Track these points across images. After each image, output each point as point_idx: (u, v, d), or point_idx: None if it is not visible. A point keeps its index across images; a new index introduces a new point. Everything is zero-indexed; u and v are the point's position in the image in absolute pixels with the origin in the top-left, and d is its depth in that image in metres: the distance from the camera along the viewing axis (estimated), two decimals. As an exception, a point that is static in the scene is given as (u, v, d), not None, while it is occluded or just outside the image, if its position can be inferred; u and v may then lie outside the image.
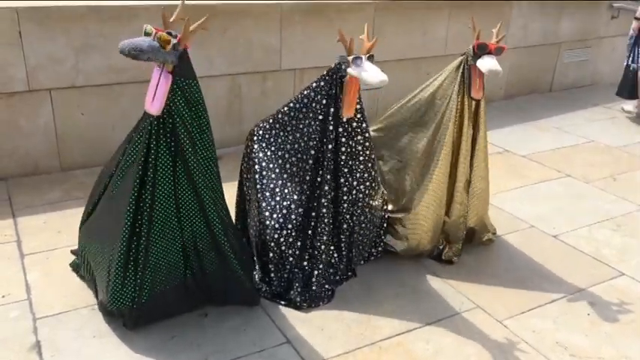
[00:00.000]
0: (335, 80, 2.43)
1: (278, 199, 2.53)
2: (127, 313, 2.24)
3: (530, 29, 5.77)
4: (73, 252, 2.67)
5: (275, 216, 2.53)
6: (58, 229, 3.00)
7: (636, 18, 5.25)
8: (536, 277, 2.82)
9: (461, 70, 2.67)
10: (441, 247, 2.88)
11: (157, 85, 2.08)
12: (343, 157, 2.52)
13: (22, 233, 2.97)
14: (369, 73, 2.30)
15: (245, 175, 2.71)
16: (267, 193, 2.56)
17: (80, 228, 2.48)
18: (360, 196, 2.61)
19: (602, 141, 4.84)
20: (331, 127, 2.46)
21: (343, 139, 2.49)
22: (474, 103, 2.70)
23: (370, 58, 2.37)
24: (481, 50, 2.55)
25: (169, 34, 2.04)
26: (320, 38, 4.44)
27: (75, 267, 2.62)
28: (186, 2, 4.15)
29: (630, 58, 5.31)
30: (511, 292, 2.70)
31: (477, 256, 2.96)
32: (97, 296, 2.39)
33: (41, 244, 2.86)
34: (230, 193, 2.95)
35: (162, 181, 2.14)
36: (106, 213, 2.29)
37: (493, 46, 2.56)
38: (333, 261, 2.63)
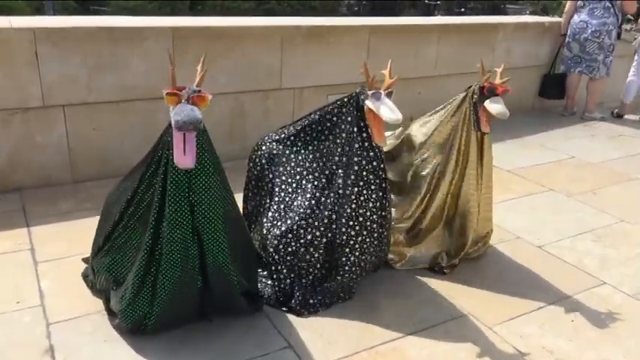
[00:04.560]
0: (354, 107, 2.43)
1: (289, 212, 2.52)
2: (136, 330, 2.24)
3: (514, 52, 5.82)
4: (84, 260, 2.65)
5: (281, 225, 2.52)
6: (70, 238, 2.98)
7: None
8: (522, 286, 2.82)
9: (465, 106, 2.67)
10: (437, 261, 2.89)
11: (184, 140, 1.95)
12: (359, 182, 2.48)
13: (35, 242, 2.95)
14: (386, 110, 2.29)
15: (253, 183, 2.70)
16: (277, 206, 2.55)
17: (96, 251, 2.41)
18: (373, 221, 2.56)
19: (582, 157, 4.87)
20: (350, 153, 2.44)
21: (361, 165, 2.46)
22: (479, 135, 2.71)
23: (389, 95, 2.35)
24: (490, 93, 2.56)
25: (196, 92, 1.98)
26: (318, 59, 4.47)
27: (85, 277, 2.59)
28: (194, 25, 4.20)
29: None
30: (499, 299, 2.70)
31: (467, 265, 2.95)
32: (107, 308, 2.36)
33: (54, 252, 2.84)
34: (234, 204, 2.96)
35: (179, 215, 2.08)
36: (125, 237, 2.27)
37: (501, 90, 2.57)
38: (338, 278, 2.60)
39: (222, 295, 2.28)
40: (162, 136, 2.11)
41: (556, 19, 6.58)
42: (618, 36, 5.86)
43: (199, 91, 1.97)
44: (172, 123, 1.91)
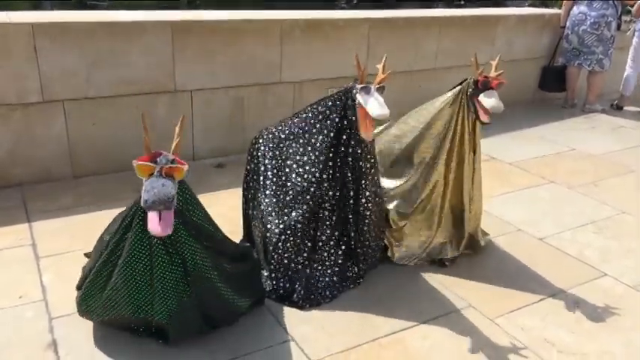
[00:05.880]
0: (347, 101, 2.43)
1: (283, 206, 2.53)
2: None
3: (514, 44, 5.81)
4: (86, 255, 2.65)
5: (278, 222, 2.53)
6: (72, 233, 2.98)
7: None
8: (524, 278, 2.82)
9: (460, 97, 2.67)
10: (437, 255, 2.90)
11: (160, 215, 1.78)
12: (353, 175, 2.50)
13: (36, 237, 2.95)
14: (372, 105, 2.28)
15: (251, 176, 2.71)
16: (274, 200, 2.56)
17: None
18: (368, 213, 2.59)
19: (583, 149, 4.87)
20: (344, 146, 2.46)
21: (355, 159, 2.48)
22: (471, 125, 2.72)
23: (380, 90, 2.34)
24: (484, 86, 2.56)
25: (171, 162, 1.80)
26: (318, 53, 4.46)
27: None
28: (193, 19, 4.18)
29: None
30: (501, 291, 2.70)
31: (468, 257, 2.96)
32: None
33: (55, 247, 2.84)
34: (234, 199, 2.96)
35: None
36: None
37: (495, 82, 2.56)
38: (337, 269, 2.62)
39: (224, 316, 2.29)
40: None
41: (556, 10, 6.56)
42: (618, 27, 5.85)
43: (174, 160, 1.79)
44: (141, 202, 1.74)
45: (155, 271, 1.99)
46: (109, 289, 2.06)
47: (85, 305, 2.18)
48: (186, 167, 1.81)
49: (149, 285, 2.03)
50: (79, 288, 2.28)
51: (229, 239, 2.31)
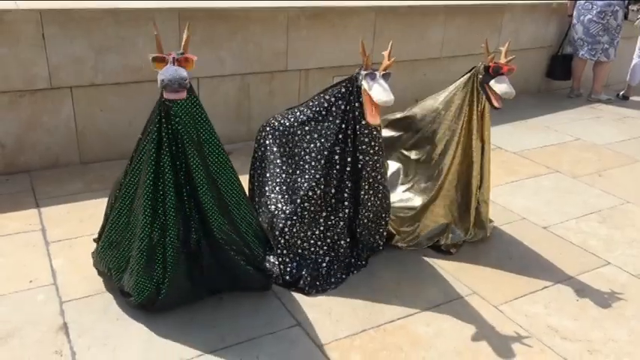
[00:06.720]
0: (353, 88, 2.45)
1: (290, 192, 2.56)
2: (149, 306, 2.28)
3: (521, 33, 5.79)
4: (95, 240, 2.68)
5: (284, 208, 2.56)
6: (80, 218, 3.01)
7: None
8: (528, 266, 2.85)
9: (470, 84, 2.69)
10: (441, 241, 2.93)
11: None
12: (357, 162, 2.53)
13: (46, 222, 2.99)
14: (376, 91, 2.30)
15: (258, 164, 2.73)
16: (280, 187, 2.59)
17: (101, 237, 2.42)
18: (373, 199, 2.62)
19: (588, 139, 4.87)
20: (349, 133, 2.48)
21: (359, 145, 2.51)
22: (479, 111, 2.74)
23: (385, 76, 2.35)
24: (495, 72, 2.57)
25: (181, 55, 2.05)
26: (323, 41, 4.46)
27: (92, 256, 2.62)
28: (200, 6, 4.18)
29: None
30: (505, 279, 2.73)
31: (473, 245, 2.98)
32: (118, 287, 2.38)
33: (65, 233, 2.88)
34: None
35: (170, 180, 2.12)
36: (123, 215, 2.29)
37: (506, 69, 2.57)
38: (342, 251, 2.65)
39: (227, 264, 2.32)
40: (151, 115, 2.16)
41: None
42: (625, 16, 5.82)
43: (183, 53, 2.03)
44: (158, 84, 1.96)
45: (167, 199, 2.12)
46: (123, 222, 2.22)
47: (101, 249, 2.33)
48: (195, 58, 2.04)
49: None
50: (98, 239, 2.43)
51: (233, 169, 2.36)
